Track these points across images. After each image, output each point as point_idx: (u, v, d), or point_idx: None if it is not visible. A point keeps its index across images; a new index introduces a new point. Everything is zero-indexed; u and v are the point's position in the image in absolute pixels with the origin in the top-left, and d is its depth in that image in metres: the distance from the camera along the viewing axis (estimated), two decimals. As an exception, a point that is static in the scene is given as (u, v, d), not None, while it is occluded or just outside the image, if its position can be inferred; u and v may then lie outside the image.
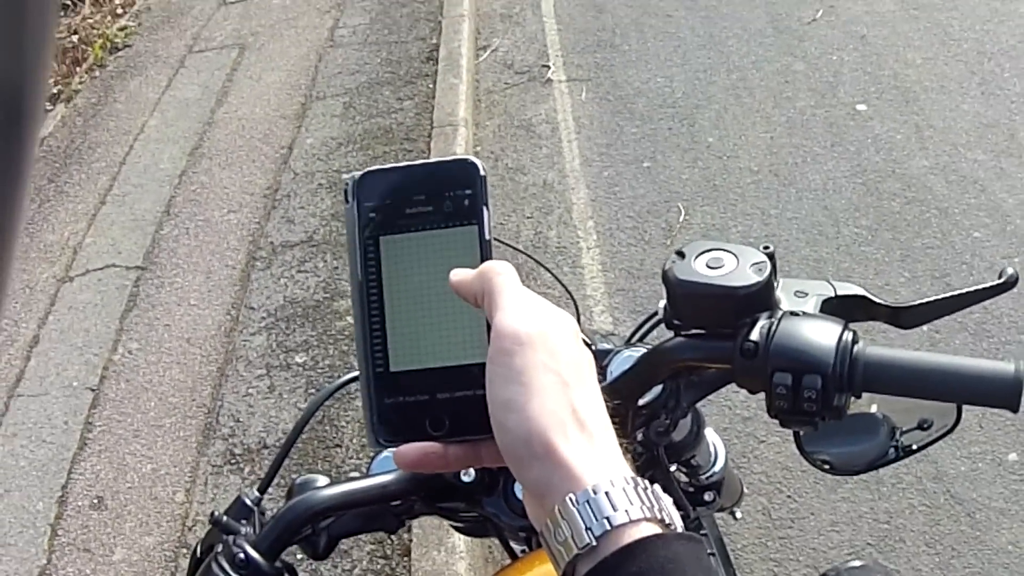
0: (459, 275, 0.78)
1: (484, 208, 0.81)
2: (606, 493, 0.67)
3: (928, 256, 4.15)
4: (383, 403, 0.82)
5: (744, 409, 3.50)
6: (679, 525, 0.71)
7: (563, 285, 1.54)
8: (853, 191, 4.60)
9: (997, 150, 4.74)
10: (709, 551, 1.55)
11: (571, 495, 0.68)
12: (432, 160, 0.84)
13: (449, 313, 0.80)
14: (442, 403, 0.81)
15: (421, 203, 0.82)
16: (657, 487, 0.71)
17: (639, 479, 0.70)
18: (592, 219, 4.69)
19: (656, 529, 0.68)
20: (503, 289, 0.75)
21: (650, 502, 0.69)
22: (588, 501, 0.67)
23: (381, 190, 0.83)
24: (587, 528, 0.66)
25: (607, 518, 0.66)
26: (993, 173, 4.58)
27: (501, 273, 0.75)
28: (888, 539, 3.10)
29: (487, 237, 0.81)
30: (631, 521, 0.67)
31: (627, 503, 0.67)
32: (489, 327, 0.75)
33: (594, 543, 0.66)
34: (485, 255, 0.80)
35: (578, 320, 1.40)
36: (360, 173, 0.83)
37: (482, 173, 0.82)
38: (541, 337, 0.72)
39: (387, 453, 1.33)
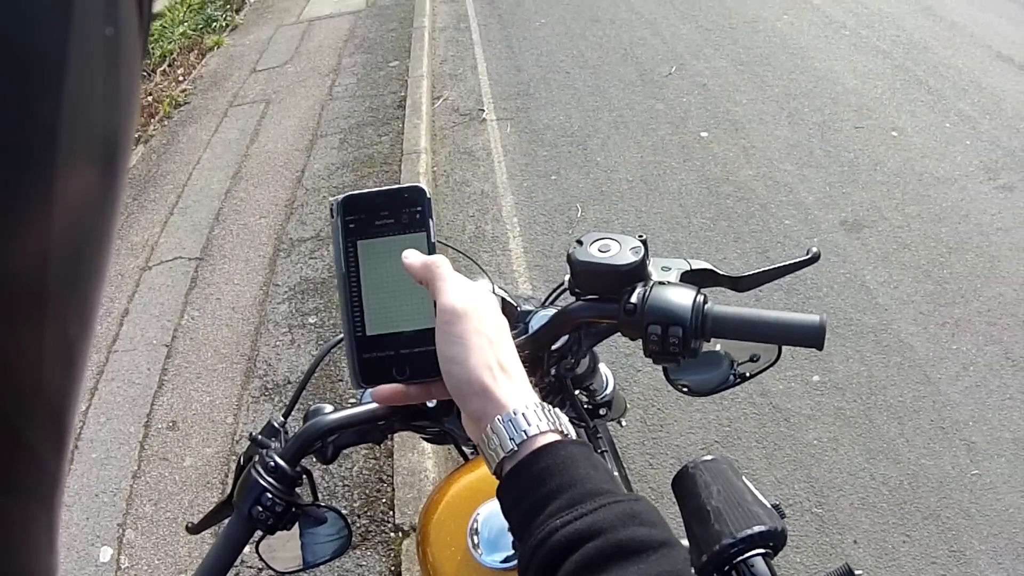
0: (410, 257, 0.79)
1: (430, 220, 0.84)
2: (522, 414, 0.70)
3: (753, 238, 4.13)
4: (362, 357, 0.84)
5: (627, 349, 3.48)
6: (573, 435, 0.73)
7: (484, 271, 1.53)
8: (699, 193, 4.56)
9: (800, 163, 4.74)
10: (602, 449, 1.60)
11: (499, 416, 0.70)
12: (393, 186, 0.86)
13: (407, 293, 0.83)
14: (404, 356, 0.83)
15: (385, 217, 0.84)
16: (557, 409, 0.74)
17: (545, 404, 0.73)
18: (516, 217, 4.63)
19: (557, 437, 0.71)
20: (442, 277, 0.76)
21: (553, 419, 0.72)
22: (510, 420, 0.70)
23: (357, 208, 0.85)
24: (510, 438, 0.69)
25: (524, 431, 0.69)
26: (798, 179, 4.58)
27: (440, 265, 0.78)
28: (729, 438, 3.10)
29: (432, 240, 0.83)
30: (540, 432, 0.70)
31: (537, 420, 0.70)
32: (435, 303, 0.76)
33: (515, 448, 0.69)
34: (431, 253, 0.82)
35: (493, 291, 1.38)
36: (342, 196, 0.85)
37: (428, 195, 0.84)
38: (472, 310, 0.74)
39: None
